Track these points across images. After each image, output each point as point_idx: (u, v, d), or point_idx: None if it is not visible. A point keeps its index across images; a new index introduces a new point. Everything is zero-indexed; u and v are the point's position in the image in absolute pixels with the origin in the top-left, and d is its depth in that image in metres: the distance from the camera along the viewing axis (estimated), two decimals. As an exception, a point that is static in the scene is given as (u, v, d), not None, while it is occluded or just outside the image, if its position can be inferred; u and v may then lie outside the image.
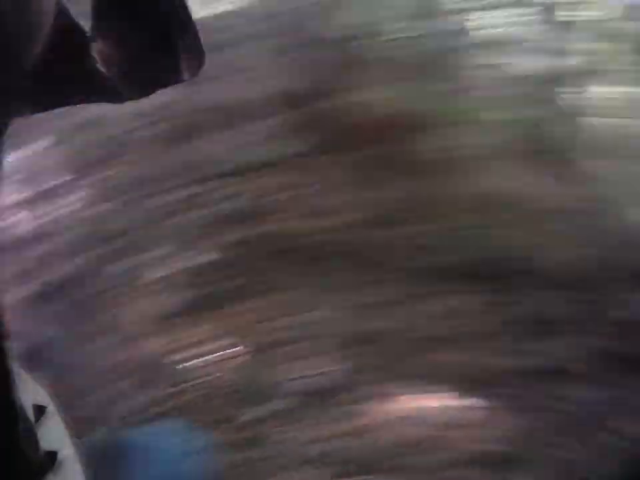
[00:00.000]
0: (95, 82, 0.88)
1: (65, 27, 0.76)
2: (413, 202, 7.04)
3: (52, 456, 0.81)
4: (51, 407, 0.92)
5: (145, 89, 1.03)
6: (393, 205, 6.87)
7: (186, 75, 1.00)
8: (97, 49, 0.83)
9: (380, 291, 6.32)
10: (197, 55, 0.95)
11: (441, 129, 7.84)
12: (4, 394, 0.67)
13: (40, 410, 0.87)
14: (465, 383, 5.88)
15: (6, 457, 0.66)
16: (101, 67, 0.85)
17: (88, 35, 0.83)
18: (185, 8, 0.88)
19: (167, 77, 1.00)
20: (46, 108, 0.99)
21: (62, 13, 0.74)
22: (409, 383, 5.73)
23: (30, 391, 0.88)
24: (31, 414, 0.81)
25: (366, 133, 7.15)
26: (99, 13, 0.82)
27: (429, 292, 6.69)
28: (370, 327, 6.29)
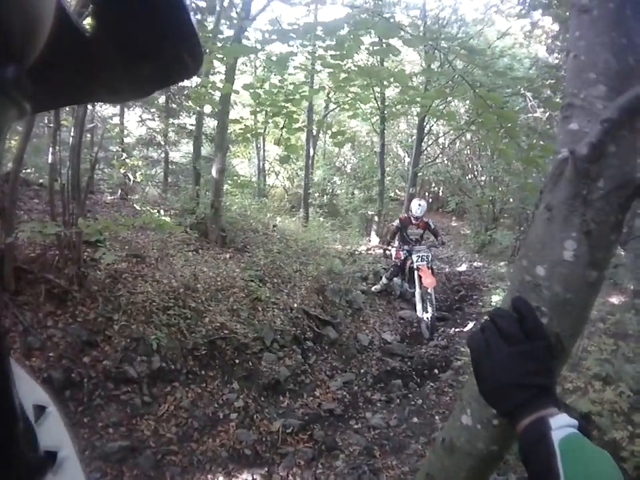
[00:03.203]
0: (95, 81, 0.91)
1: (65, 27, 0.76)
2: (106, 318, 7.60)
3: (52, 456, 0.81)
4: (51, 407, 0.92)
5: (145, 89, 1.04)
6: (91, 326, 7.50)
7: (184, 75, 1.03)
8: (97, 48, 0.83)
9: (110, 410, 6.83)
10: (196, 55, 0.96)
11: (110, 242, 8.45)
12: (4, 394, 0.66)
13: (40, 410, 0.87)
14: (243, 457, 6.88)
15: (6, 456, 0.65)
16: (101, 66, 0.87)
17: (88, 34, 0.83)
18: (184, 8, 0.87)
19: (166, 76, 1.01)
20: (46, 108, 1.01)
21: (62, 13, 0.74)
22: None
23: (30, 390, 0.89)
24: (31, 414, 0.82)
25: (31, 271, 7.55)
26: (99, 13, 0.82)
27: (161, 394, 7.13)
28: (118, 445, 6.71)
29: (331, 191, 28.28)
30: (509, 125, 7.72)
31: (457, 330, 11.88)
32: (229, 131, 14.25)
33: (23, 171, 10.45)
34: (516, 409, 1.35)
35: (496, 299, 12.01)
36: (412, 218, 13.47)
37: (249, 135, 13.73)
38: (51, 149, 8.67)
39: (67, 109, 9.41)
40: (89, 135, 13.21)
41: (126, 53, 0.86)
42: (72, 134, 9.05)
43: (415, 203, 13.89)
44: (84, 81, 0.90)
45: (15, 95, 0.60)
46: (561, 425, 1.22)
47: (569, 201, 1.80)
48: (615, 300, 9.53)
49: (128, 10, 0.81)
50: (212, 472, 6.55)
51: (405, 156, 29.83)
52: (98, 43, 0.82)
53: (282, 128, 11.62)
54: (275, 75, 11.16)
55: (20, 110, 0.62)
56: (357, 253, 16.65)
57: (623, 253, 9.43)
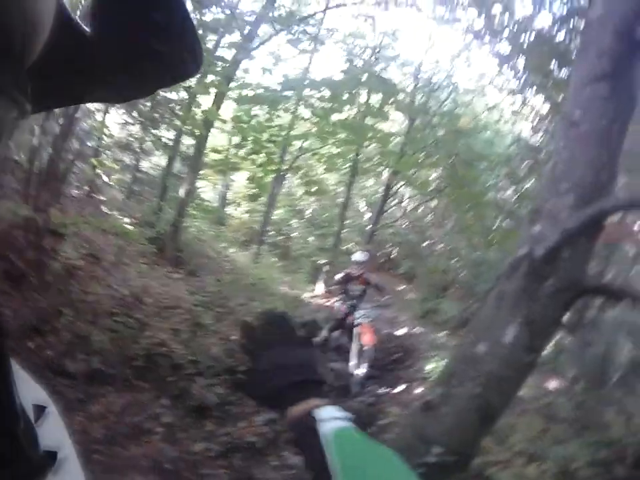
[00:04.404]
0: (95, 81, 0.93)
1: (65, 27, 0.78)
2: (56, 310, 7.52)
3: (52, 455, 0.81)
4: (51, 407, 0.96)
5: (145, 89, 1.10)
6: (41, 314, 7.38)
7: (184, 75, 1.09)
8: (97, 48, 0.86)
9: None
10: (196, 55, 1.00)
11: (72, 237, 8.39)
12: (5, 393, 0.69)
13: (40, 410, 0.89)
14: (164, 471, 6.65)
15: (7, 456, 0.67)
16: (101, 66, 0.90)
17: (88, 34, 0.85)
18: (184, 9, 0.92)
19: (166, 76, 1.05)
20: (46, 108, 1.07)
21: (62, 13, 0.76)
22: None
23: (30, 390, 0.92)
24: (31, 414, 0.83)
25: None
26: (99, 13, 0.86)
27: (94, 394, 7.11)
28: None
29: (286, 232, 28.27)
30: (477, 202, 8.00)
31: (385, 390, 11.93)
32: (205, 156, 14.33)
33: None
34: (282, 397, 1.45)
35: (430, 367, 12.11)
36: (352, 272, 13.49)
37: (223, 168, 13.91)
38: (37, 132, 8.68)
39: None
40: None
41: (126, 53, 0.90)
42: (59, 121, 9.08)
43: (357, 254, 13.97)
44: (84, 80, 0.92)
45: (15, 95, 0.62)
46: (328, 417, 1.33)
47: (520, 293, 2.05)
48: (551, 385, 9.68)
49: (128, 10, 0.86)
50: (132, 478, 6.57)
51: (366, 211, 29.89)
52: (98, 42, 0.86)
53: (259, 166, 11.72)
54: (266, 112, 11.23)
55: (20, 110, 0.64)
56: (301, 298, 16.69)
57: (566, 341, 9.62)
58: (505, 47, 13.82)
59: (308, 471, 1.28)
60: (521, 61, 13.58)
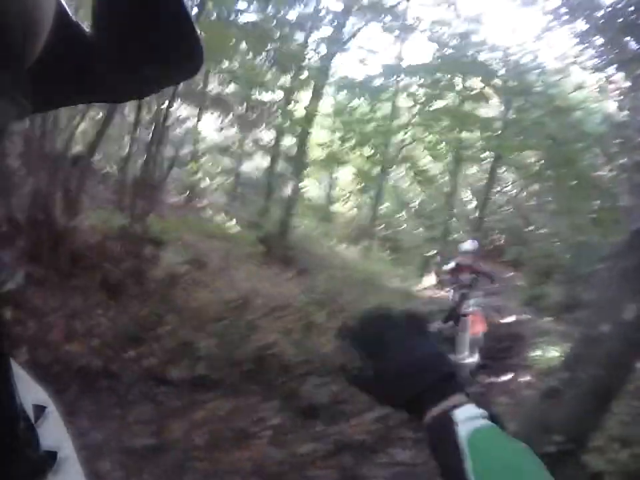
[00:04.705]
0: (95, 82, 0.92)
1: (65, 26, 0.78)
2: (159, 317, 7.44)
3: (52, 455, 0.81)
4: (51, 407, 0.92)
5: (145, 89, 1.10)
6: (141, 322, 7.34)
7: (183, 76, 1.07)
8: (97, 48, 0.85)
9: (144, 407, 6.65)
10: (196, 56, 0.97)
11: (173, 243, 8.34)
12: (5, 393, 0.68)
13: (40, 410, 0.87)
14: (267, 474, 6.54)
15: (6, 456, 0.67)
16: (101, 66, 0.88)
17: (88, 34, 0.85)
18: (185, 9, 0.89)
19: (166, 77, 1.04)
20: (46, 108, 1.07)
21: (62, 13, 0.76)
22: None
23: (30, 390, 0.88)
24: (31, 414, 0.82)
25: (89, 257, 7.43)
26: (99, 13, 0.85)
27: (197, 400, 7.02)
28: (145, 443, 6.54)
29: (395, 225, 28.14)
30: (579, 182, 7.93)
31: (494, 380, 11.76)
32: (308, 152, 14.39)
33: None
34: (420, 396, 1.32)
35: (537, 354, 11.96)
36: (461, 262, 13.38)
37: (329, 164, 13.91)
38: (129, 141, 8.81)
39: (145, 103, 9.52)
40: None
41: (126, 53, 0.88)
42: (150, 131, 9.22)
43: (465, 243, 13.99)
44: (84, 80, 0.91)
45: (15, 95, 0.61)
46: (467, 417, 1.22)
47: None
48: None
49: (127, 11, 0.84)
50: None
51: (471, 199, 29.59)
52: (98, 43, 0.85)
53: (365, 158, 11.66)
54: (367, 103, 11.27)
55: (20, 110, 0.64)
56: (411, 291, 16.60)
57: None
58: (582, 25, 13.66)
59: (443, 478, 1.19)
60: (598, 38, 13.42)
